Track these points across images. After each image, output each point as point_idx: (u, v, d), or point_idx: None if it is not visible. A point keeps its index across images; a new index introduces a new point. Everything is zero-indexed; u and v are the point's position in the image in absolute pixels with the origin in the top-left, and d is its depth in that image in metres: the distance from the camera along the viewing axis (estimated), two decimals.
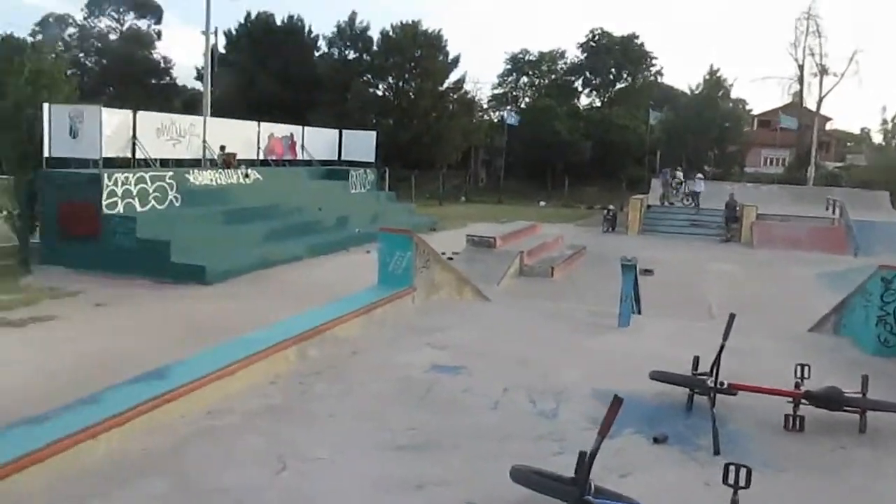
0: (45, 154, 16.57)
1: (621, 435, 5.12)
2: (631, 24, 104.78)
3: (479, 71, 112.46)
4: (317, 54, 50.76)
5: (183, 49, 59.24)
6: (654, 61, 54.93)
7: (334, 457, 4.68)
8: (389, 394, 6.01)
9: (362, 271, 13.56)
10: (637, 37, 53.47)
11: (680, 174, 32.05)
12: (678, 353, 7.03)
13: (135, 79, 51.36)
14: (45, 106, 16.59)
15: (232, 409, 5.27)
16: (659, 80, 55.90)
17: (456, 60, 48.70)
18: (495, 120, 54.15)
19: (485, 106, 55.93)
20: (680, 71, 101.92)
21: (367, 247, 18.89)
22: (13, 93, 17.23)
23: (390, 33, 46.93)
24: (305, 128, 27.10)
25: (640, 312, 10.36)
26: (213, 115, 26.91)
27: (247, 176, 21.13)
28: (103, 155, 17.06)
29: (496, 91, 56.71)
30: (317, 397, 5.80)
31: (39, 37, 48.99)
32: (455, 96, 48.75)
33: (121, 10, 56.82)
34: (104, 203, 15.76)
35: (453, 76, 48.81)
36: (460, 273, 10.94)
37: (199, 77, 49.01)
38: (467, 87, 50.42)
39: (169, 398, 4.89)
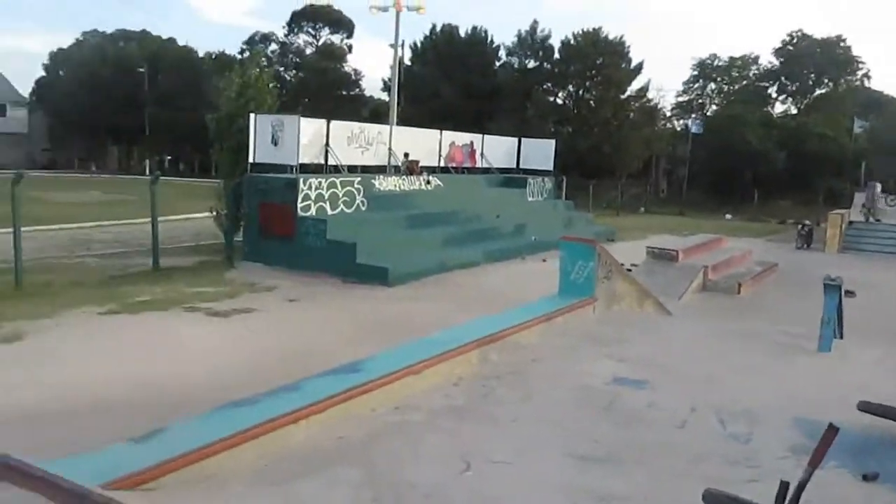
0: (250, 160, 18.03)
1: (824, 467, 4.68)
2: (834, 25, 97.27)
3: (662, 77, 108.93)
4: (498, 64, 51.54)
5: (371, 61, 62.59)
6: (860, 65, 50.43)
7: (517, 461, 4.69)
8: (570, 403, 5.93)
9: (538, 279, 13.51)
10: (843, 39, 49.30)
11: (878, 186, 29.13)
12: (887, 384, 6.39)
13: (327, 90, 54.89)
14: (252, 116, 18.05)
15: (418, 407, 5.43)
16: (865, 84, 51.19)
17: (639, 67, 47.51)
18: (678, 128, 52.15)
19: (668, 114, 54.09)
20: (890, 75, 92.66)
21: (543, 255, 18.84)
22: (226, 105, 18.83)
23: (571, 41, 46.67)
24: (485, 136, 27.52)
25: (842, 337, 9.52)
26: (397, 124, 28.08)
27: (428, 182, 21.77)
28: (299, 161, 18.32)
29: (680, 98, 54.64)
30: (498, 401, 5.85)
31: (246, 54, 53.66)
32: (637, 104, 47.49)
33: (317, 26, 60.95)
34: (299, 206, 16.80)
35: (636, 84, 47.69)
36: (642, 285, 10.62)
37: (385, 88, 51.50)
38: (650, 94, 49.03)
39: (361, 391, 5.14)
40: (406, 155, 21.85)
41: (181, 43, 63.96)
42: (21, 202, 13.98)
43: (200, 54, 62.47)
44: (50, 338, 10.22)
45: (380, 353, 6.18)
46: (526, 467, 4.62)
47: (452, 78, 47.45)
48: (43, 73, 64.65)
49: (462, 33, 51.25)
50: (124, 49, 60.77)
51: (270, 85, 20.70)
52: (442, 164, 24.37)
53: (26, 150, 62.05)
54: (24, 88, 66.93)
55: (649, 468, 4.74)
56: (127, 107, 56.58)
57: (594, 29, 46.54)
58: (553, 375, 6.61)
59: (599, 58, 45.64)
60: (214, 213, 18.99)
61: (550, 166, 27.76)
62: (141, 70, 57.90)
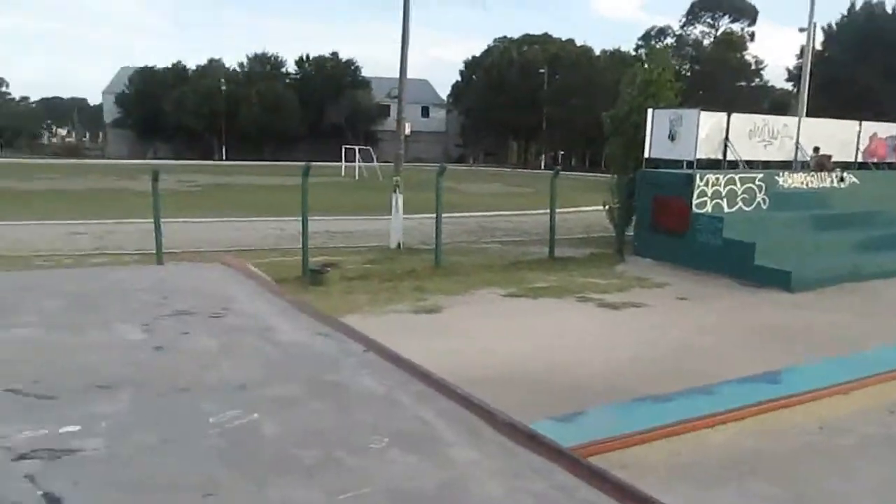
0: (646, 155, 18.00)
1: None
2: None
3: None
4: None
5: (773, 49, 58.03)
6: None
7: None
8: None
9: None
10: None
11: None
12: None
13: (724, 82, 52.50)
14: (649, 112, 17.98)
15: (848, 430, 4.87)
16: None
17: None
18: None
19: None
20: None
21: None
22: (627, 101, 19.02)
23: None
24: None
25: None
26: (805, 115, 25.52)
27: (842, 179, 19.45)
28: (697, 156, 17.76)
29: None
30: None
31: (641, 50, 53.85)
32: None
33: (715, 15, 58.57)
34: (694, 202, 16.32)
35: None
36: None
37: (790, 78, 47.36)
38: None
39: (782, 405, 4.79)
40: (816, 149, 19.80)
41: (578, 43, 66.74)
42: (443, 192, 15.98)
43: (596, 52, 64.47)
44: (462, 312, 11.49)
45: (801, 365, 5.70)
46: None
47: (872, 61, 41.70)
48: (458, 78, 73.21)
49: (888, 9, 44.79)
50: (527, 52, 65.53)
51: (671, 81, 20.39)
52: (860, 158, 21.58)
53: (443, 146, 71.30)
54: (444, 92, 77.13)
55: None
56: (527, 106, 61.13)
57: None
58: None
59: None
60: (606, 207, 19.42)
61: None
62: (541, 71, 61.88)
